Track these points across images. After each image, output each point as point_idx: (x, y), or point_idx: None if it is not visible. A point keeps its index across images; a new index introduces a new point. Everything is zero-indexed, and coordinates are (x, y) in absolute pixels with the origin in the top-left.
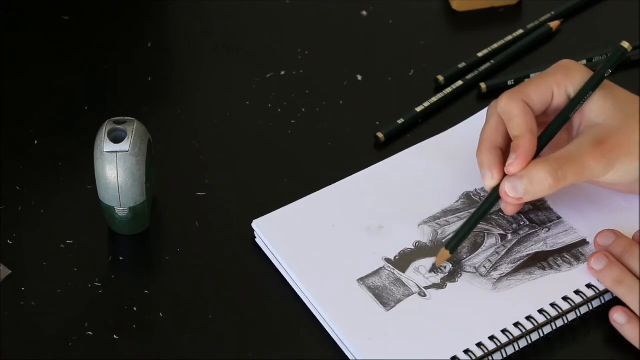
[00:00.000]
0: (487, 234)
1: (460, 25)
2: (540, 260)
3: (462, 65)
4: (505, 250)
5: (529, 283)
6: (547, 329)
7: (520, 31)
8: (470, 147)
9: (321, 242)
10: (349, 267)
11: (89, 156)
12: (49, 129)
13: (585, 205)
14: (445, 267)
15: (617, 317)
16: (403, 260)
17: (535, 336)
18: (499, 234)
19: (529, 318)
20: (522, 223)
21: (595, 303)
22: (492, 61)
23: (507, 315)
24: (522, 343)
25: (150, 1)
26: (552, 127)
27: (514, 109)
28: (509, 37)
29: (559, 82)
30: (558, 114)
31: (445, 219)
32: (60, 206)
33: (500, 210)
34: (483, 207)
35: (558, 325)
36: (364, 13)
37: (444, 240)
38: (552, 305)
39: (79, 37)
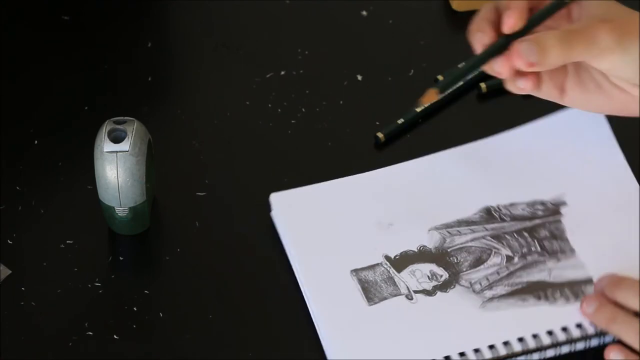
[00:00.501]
0: (495, 252)
1: (460, 25)
2: (538, 290)
3: (462, 65)
4: (507, 272)
5: (519, 309)
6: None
7: None
8: (505, 160)
9: (330, 227)
10: (348, 257)
11: (89, 156)
12: (49, 129)
13: (604, 244)
14: (441, 275)
15: (614, 356)
16: (402, 261)
17: None
18: (506, 255)
19: (505, 343)
20: (532, 249)
21: (580, 345)
22: None
23: (485, 336)
24: None
25: (150, 1)
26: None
27: None
28: None
29: None
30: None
31: (457, 228)
32: (60, 206)
33: (515, 232)
34: (486, 53)
35: (534, 359)
36: (364, 13)
37: (449, 249)
38: (534, 336)
39: (79, 37)
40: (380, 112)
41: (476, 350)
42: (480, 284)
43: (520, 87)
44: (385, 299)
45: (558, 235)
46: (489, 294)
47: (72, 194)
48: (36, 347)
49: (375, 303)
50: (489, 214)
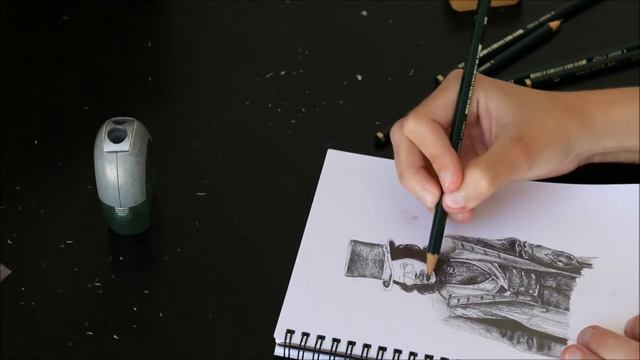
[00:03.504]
0: (492, 279)
1: (460, 25)
2: (507, 328)
3: (462, 65)
4: (490, 301)
5: (478, 337)
6: None
7: (520, 31)
8: (556, 206)
9: (360, 198)
10: (357, 229)
11: (89, 156)
12: (49, 129)
13: (604, 318)
14: (427, 279)
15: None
16: (403, 252)
17: None
18: (501, 285)
19: (443, 359)
20: (530, 291)
21: None
22: (492, 61)
23: (428, 346)
24: None
25: (150, 1)
26: (455, 123)
27: (424, 129)
28: (509, 37)
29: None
30: (457, 103)
31: (473, 245)
32: (60, 206)
33: (524, 270)
34: (438, 216)
35: None
36: (364, 13)
37: (451, 260)
38: None
39: (79, 37)
40: (380, 112)
41: (412, 354)
42: (458, 300)
43: (458, 220)
44: (364, 276)
45: (563, 290)
46: (460, 311)
47: (72, 194)
48: (36, 347)
49: (353, 276)
50: (511, 246)
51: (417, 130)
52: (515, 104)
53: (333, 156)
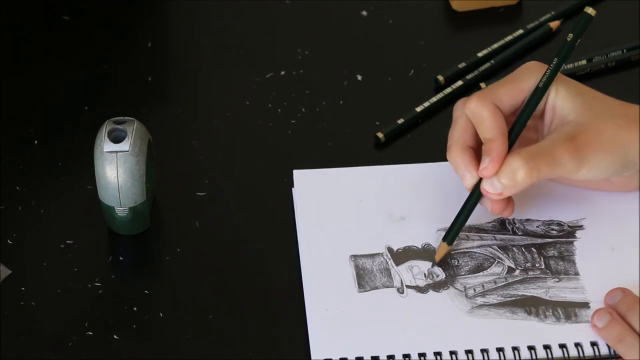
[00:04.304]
0: (497, 262)
1: (460, 25)
2: (530, 305)
3: (462, 65)
4: (504, 283)
5: (507, 321)
6: None
7: (520, 31)
8: None
9: (342, 211)
10: (352, 242)
11: (89, 156)
12: (49, 129)
13: (611, 273)
14: (438, 275)
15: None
16: (403, 255)
17: None
18: (508, 266)
19: (483, 351)
20: (537, 265)
21: None
22: (492, 61)
23: (465, 341)
24: None
25: (150, 1)
26: (521, 119)
27: (484, 112)
28: (509, 37)
29: (531, 87)
30: (525, 105)
31: (467, 233)
32: (60, 206)
33: (523, 246)
34: (471, 201)
35: None
36: (364, 13)
37: (452, 252)
38: (514, 349)
39: (79, 37)
40: (380, 112)
41: (452, 353)
42: (474, 290)
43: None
44: (376, 288)
45: (566, 256)
46: (480, 300)
47: (72, 194)
48: (36, 347)
49: (365, 291)
50: (502, 225)
51: (477, 112)
52: (582, 104)
53: (301, 176)
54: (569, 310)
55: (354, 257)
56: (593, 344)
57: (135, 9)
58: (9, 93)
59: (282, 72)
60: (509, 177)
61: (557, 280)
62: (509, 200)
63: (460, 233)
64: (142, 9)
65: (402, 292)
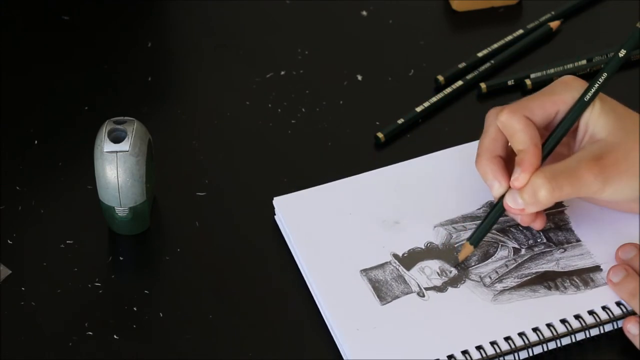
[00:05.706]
0: (501, 245)
1: (460, 25)
2: (548, 280)
3: (462, 65)
4: (515, 264)
5: (531, 300)
6: (537, 349)
7: (520, 31)
8: None
9: (335, 227)
10: (356, 257)
11: (89, 156)
12: (49, 129)
13: (608, 232)
14: (450, 272)
15: (631, 328)
16: (410, 259)
17: (524, 354)
18: (512, 247)
19: (521, 334)
20: (539, 240)
21: (594, 332)
22: (492, 61)
23: (499, 329)
24: (509, 358)
25: (150, 1)
26: (558, 131)
27: (516, 124)
28: (509, 37)
29: (565, 100)
30: (564, 118)
31: (462, 224)
32: (60, 206)
33: (518, 224)
34: (497, 206)
35: (550, 347)
36: (364, 13)
37: (456, 245)
38: (548, 325)
39: (79, 37)
40: (380, 112)
41: (493, 343)
42: (490, 277)
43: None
44: (397, 297)
45: (562, 226)
46: (499, 286)
47: (72, 194)
48: (36, 347)
49: (388, 302)
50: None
51: (508, 124)
52: (615, 123)
53: (281, 202)
54: (584, 277)
55: (365, 271)
56: (618, 303)
57: (135, 9)
58: (9, 93)
59: (282, 72)
60: (530, 195)
61: (563, 250)
62: (539, 212)
63: (457, 224)
64: (142, 9)
65: (423, 296)
